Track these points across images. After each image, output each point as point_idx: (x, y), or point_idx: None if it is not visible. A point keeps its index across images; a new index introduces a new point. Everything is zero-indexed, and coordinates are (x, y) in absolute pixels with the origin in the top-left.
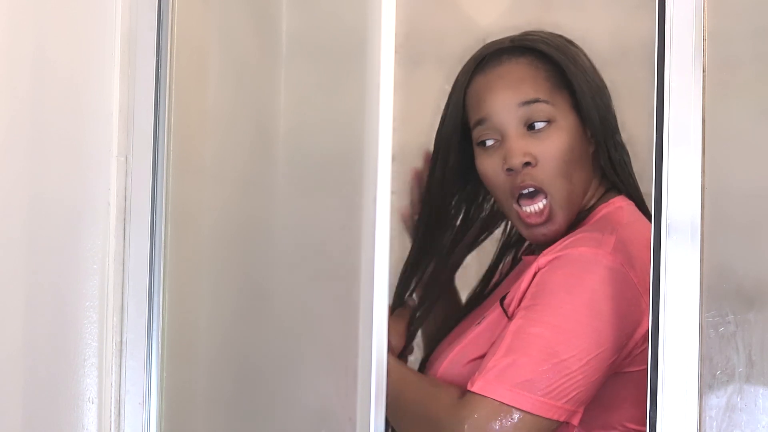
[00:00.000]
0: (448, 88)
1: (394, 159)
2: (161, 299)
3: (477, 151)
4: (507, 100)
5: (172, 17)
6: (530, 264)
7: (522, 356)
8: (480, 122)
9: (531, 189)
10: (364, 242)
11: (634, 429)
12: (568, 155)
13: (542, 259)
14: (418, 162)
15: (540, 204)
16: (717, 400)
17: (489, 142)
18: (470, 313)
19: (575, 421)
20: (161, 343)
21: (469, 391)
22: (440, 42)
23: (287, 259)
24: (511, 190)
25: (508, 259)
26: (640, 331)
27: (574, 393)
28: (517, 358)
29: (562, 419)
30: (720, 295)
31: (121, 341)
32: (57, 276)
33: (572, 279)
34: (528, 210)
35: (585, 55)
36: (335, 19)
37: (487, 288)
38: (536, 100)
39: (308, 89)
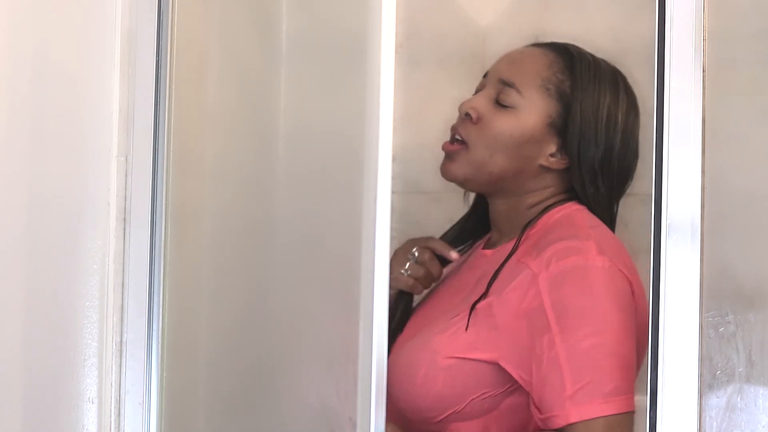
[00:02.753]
0: (448, 88)
1: (394, 159)
2: (161, 299)
3: None
4: (496, 71)
5: (172, 17)
6: (488, 258)
7: (596, 371)
8: (485, 75)
9: (457, 136)
10: (364, 242)
11: None
12: (507, 140)
13: (542, 282)
14: (418, 162)
15: (454, 149)
16: (717, 400)
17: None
18: (426, 299)
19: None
20: (161, 343)
21: (569, 425)
22: (440, 42)
23: (287, 259)
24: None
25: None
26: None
27: (632, 380)
28: (594, 375)
29: (633, 408)
30: (720, 295)
31: (121, 341)
32: (57, 276)
33: (584, 288)
34: (445, 146)
35: (628, 86)
36: (335, 19)
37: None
38: (511, 85)
39: (308, 89)
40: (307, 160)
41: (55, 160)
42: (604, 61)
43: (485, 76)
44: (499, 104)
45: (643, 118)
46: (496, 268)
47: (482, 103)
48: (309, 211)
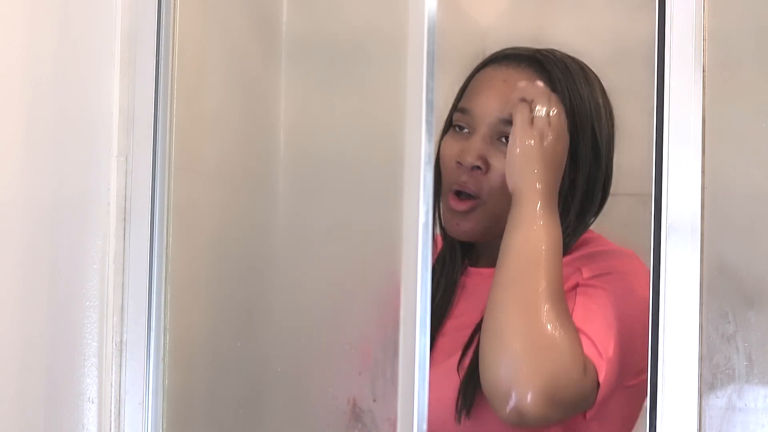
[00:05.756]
0: (448, 88)
1: None
2: (161, 299)
3: (449, 132)
4: (492, 108)
5: (172, 17)
6: (478, 276)
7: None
8: (462, 110)
9: (467, 192)
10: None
11: None
12: None
13: (584, 278)
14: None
15: (467, 206)
16: (717, 400)
17: (464, 129)
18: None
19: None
20: (161, 343)
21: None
22: (440, 42)
23: (287, 259)
24: (453, 180)
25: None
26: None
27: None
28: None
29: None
30: (720, 295)
31: (121, 341)
32: (57, 276)
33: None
34: (454, 204)
35: (602, 86)
36: (336, 19)
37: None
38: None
39: (309, 89)
40: (308, 160)
41: (54, 160)
42: (569, 56)
43: (462, 111)
44: (503, 141)
45: (643, 118)
46: None
47: (484, 148)
48: (310, 211)
